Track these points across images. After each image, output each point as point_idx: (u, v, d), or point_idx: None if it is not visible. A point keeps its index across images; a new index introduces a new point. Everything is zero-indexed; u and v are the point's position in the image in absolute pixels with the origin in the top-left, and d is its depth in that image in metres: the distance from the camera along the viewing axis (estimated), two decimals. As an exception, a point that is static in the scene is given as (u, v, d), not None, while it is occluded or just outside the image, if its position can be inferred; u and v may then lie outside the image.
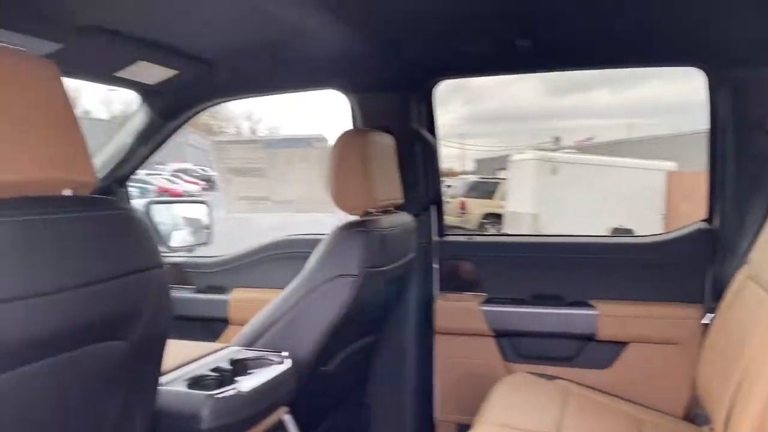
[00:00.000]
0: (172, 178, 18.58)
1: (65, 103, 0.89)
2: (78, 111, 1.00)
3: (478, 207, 13.39)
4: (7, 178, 0.77)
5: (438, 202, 2.20)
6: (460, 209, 13.52)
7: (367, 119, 2.03)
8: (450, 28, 1.71)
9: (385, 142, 1.75)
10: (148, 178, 17.21)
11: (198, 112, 2.20)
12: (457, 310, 2.10)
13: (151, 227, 1.01)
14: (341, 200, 1.62)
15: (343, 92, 2.06)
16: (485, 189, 13.87)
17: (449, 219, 12.83)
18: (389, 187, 1.75)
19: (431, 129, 2.11)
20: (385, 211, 1.78)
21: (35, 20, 1.41)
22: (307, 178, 2.69)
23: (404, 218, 1.85)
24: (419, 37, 1.77)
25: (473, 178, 16.67)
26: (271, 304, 1.62)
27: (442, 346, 2.13)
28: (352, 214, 1.67)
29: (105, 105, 29.31)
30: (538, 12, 1.57)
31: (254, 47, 1.84)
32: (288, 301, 1.58)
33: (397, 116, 2.01)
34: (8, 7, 1.32)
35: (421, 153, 2.07)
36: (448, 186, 17.03)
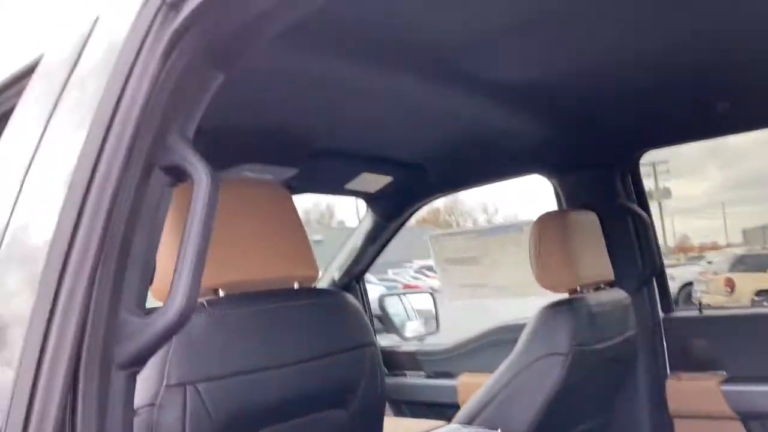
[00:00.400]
0: (417, 275, 19.62)
1: (293, 216, 1.14)
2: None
3: (750, 282, 11.80)
4: (248, 278, 1.02)
5: (660, 276, 2.10)
6: (726, 286, 12.07)
7: (571, 199, 2.07)
8: (646, 100, 1.72)
9: (586, 220, 1.78)
10: (395, 277, 18.41)
11: (415, 211, 2.44)
12: (693, 391, 1.93)
13: (362, 311, 1.19)
14: (545, 280, 1.68)
15: (545, 176, 2.14)
16: (757, 262, 12.25)
17: (715, 299, 11.54)
18: (595, 264, 1.76)
19: (641, 201, 2.07)
20: (596, 289, 1.78)
21: (277, 152, 1.77)
22: (520, 262, 2.75)
23: (616, 295, 1.82)
24: (615, 113, 1.81)
25: (740, 251, 14.84)
26: (485, 385, 1.70)
27: (680, 431, 1.96)
28: (558, 292, 1.71)
29: (356, 215, 32.58)
30: (732, 72, 1.53)
31: (459, 147, 2.04)
32: (500, 380, 1.65)
33: (602, 193, 2.02)
34: (257, 145, 1.69)
35: (632, 227, 2.03)
36: (709, 262, 15.36)
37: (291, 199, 1.16)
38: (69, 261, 0.67)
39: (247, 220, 1.06)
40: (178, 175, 0.76)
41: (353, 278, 2.62)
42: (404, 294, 3.04)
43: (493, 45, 1.36)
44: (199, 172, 0.73)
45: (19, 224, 0.76)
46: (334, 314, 1.13)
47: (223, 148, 1.62)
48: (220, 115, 1.45)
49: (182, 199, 0.80)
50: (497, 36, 1.31)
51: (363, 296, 2.66)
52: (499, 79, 1.55)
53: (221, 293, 1.00)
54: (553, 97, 1.69)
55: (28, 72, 0.88)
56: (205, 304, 0.95)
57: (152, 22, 0.74)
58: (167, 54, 0.74)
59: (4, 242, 0.76)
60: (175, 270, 0.69)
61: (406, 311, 2.95)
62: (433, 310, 2.85)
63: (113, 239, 0.70)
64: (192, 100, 0.80)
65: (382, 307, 2.79)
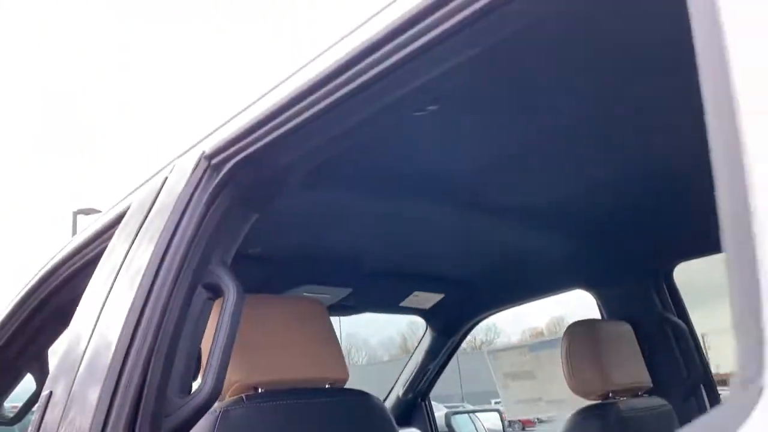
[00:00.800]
0: (519, 404, 18.70)
1: (327, 328, 1.37)
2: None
3: None
4: (284, 378, 1.24)
5: (709, 386, 2.10)
6: None
7: (611, 310, 2.16)
8: (666, 213, 1.86)
9: (617, 329, 1.88)
10: (497, 406, 17.60)
11: (473, 326, 2.58)
12: None
13: (386, 410, 1.35)
14: (576, 387, 1.77)
15: (585, 290, 2.25)
16: None
17: None
18: (628, 371, 1.83)
19: (680, 310, 2.13)
20: (635, 396, 1.84)
21: (332, 274, 2.03)
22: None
23: (653, 402, 1.86)
24: (639, 227, 1.94)
25: None
26: None
27: None
28: (590, 399, 1.78)
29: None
30: None
31: (502, 266, 2.22)
32: None
33: (638, 304, 2.10)
34: (312, 268, 1.95)
35: (673, 337, 2.08)
36: None
37: (327, 314, 1.40)
38: (129, 355, 0.92)
39: (285, 330, 1.30)
40: (217, 292, 1.01)
41: (418, 395, 2.73)
42: (473, 412, 3.10)
43: (516, 172, 1.56)
44: (230, 289, 0.99)
45: (97, 344, 1.02)
46: (360, 412, 1.31)
47: (283, 272, 1.90)
48: (277, 244, 1.74)
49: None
50: (519, 164, 1.50)
51: (428, 414, 2.74)
52: (526, 202, 1.75)
53: (260, 390, 1.22)
54: (577, 214, 1.86)
55: (121, 217, 1.21)
56: (243, 398, 1.18)
57: (200, 179, 1.04)
58: (211, 201, 1.03)
59: (84, 361, 1.02)
60: (206, 363, 0.93)
61: (476, 430, 3.00)
62: (500, 429, 2.89)
63: (164, 340, 0.95)
64: (231, 234, 1.08)
65: (448, 425, 2.86)
